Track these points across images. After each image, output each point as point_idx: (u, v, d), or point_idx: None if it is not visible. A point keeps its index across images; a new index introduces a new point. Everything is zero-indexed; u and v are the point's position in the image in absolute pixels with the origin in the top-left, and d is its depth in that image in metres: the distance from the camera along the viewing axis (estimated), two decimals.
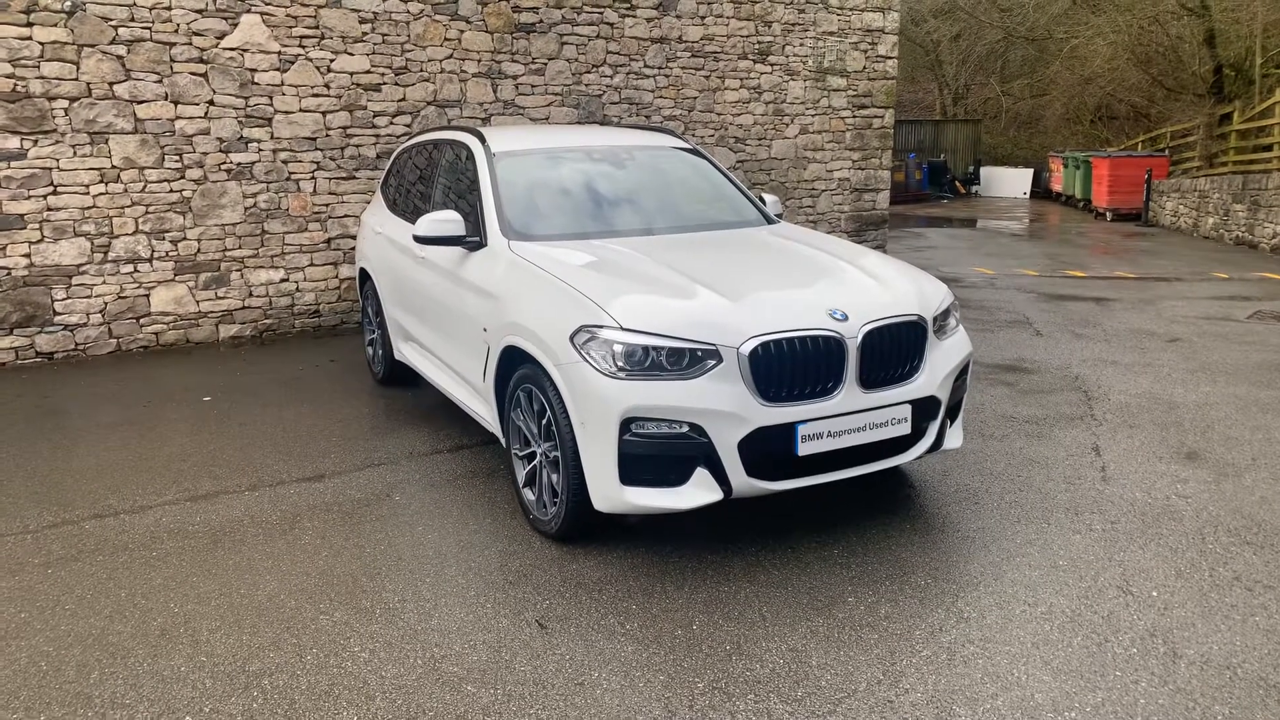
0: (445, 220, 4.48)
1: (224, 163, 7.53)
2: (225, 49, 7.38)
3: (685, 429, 3.38)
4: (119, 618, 3.34)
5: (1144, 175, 18.02)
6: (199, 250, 7.55)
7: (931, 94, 33.95)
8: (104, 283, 7.24)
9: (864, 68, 10.92)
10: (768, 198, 5.38)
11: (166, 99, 7.23)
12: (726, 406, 3.38)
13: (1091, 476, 4.53)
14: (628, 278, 3.86)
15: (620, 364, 3.43)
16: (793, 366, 3.47)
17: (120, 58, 7.03)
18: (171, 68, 7.21)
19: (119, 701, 2.86)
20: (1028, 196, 25.13)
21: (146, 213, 7.31)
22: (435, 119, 8.34)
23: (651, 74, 9.52)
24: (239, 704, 2.83)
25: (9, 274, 6.92)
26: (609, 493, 3.48)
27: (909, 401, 3.71)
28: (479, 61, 8.51)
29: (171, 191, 7.37)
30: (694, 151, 5.56)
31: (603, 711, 2.77)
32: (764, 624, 3.24)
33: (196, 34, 7.26)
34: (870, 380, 3.62)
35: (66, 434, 5.41)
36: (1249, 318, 8.34)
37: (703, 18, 9.72)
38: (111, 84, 7.03)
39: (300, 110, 7.75)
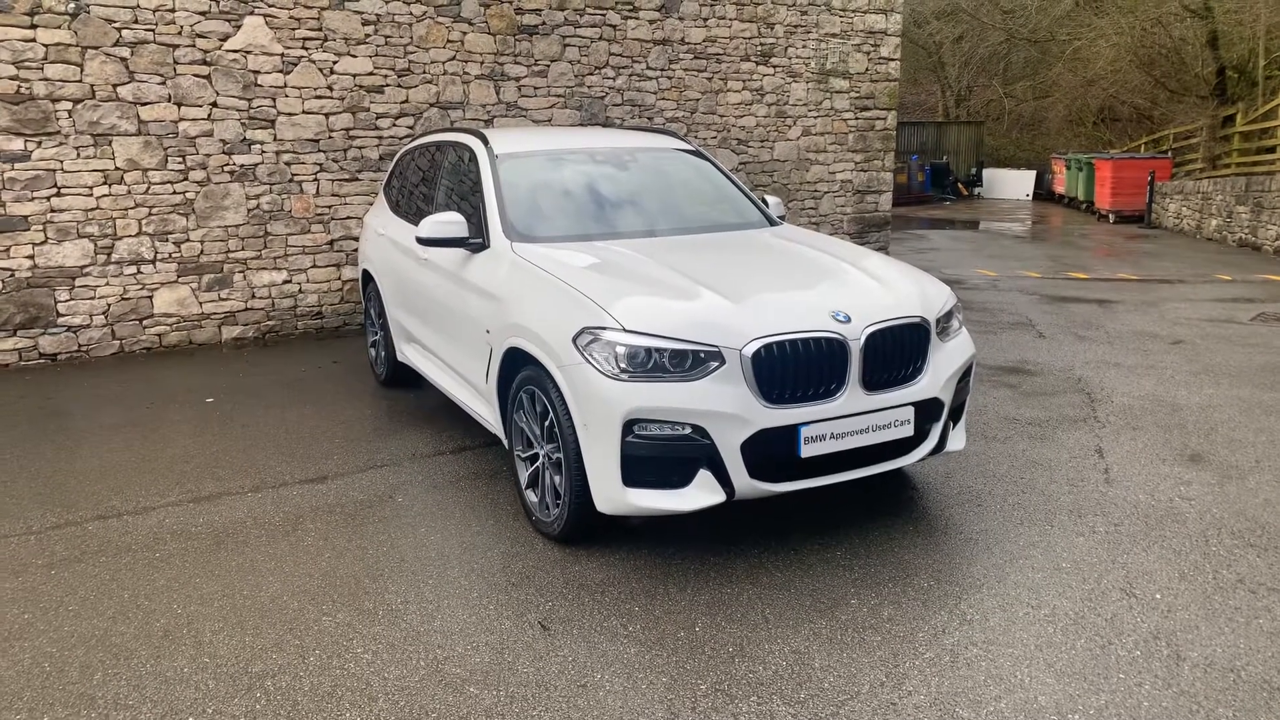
0: (448, 222, 4.48)
1: (227, 164, 7.54)
2: (228, 51, 7.40)
3: (688, 430, 3.38)
4: (122, 619, 3.35)
5: (1147, 177, 18.01)
6: (202, 252, 7.57)
7: (934, 96, 33.95)
8: (107, 284, 7.25)
9: (866, 69, 10.92)
10: (770, 199, 5.37)
11: (170, 101, 7.24)
12: (729, 408, 3.38)
13: (1095, 479, 4.53)
14: (630, 279, 3.86)
15: (623, 365, 3.43)
16: (795, 368, 3.47)
17: (124, 59, 7.04)
18: (175, 69, 7.22)
19: (122, 702, 2.86)
20: (1030, 198, 25.12)
21: (150, 214, 7.32)
22: (438, 121, 8.35)
23: (654, 76, 9.52)
24: (242, 705, 2.84)
25: (12, 275, 6.93)
26: (611, 494, 3.48)
27: (912, 403, 3.70)
28: (481, 63, 8.52)
29: (175, 193, 7.39)
30: (696, 153, 5.56)
31: (605, 713, 2.77)
32: (767, 626, 3.24)
33: (200, 36, 7.27)
34: (873, 382, 3.62)
35: (70, 435, 5.42)
36: (1252, 320, 8.33)
37: (705, 19, 9.72)
38: (115, 86, 7.04)
39: (303, 112, 7.76)
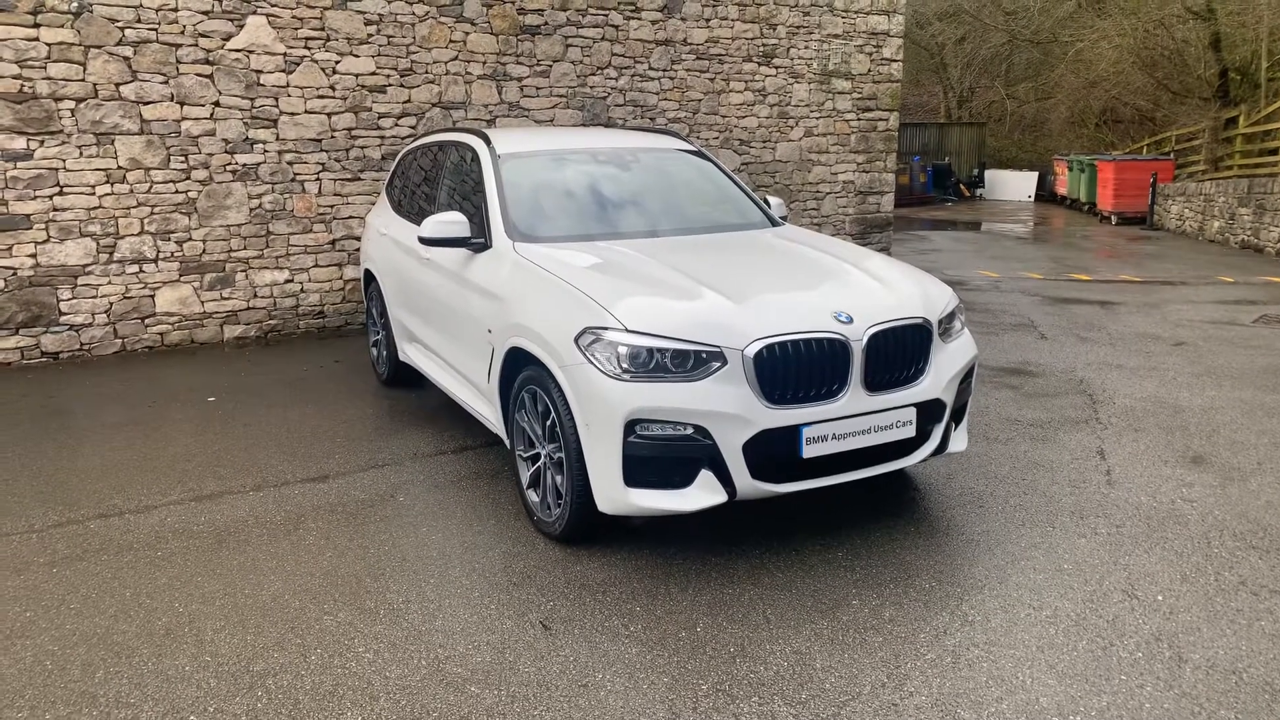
0: (450, 222, 4.48)
1: (229, 164, 7.54)
2: (231, 50, 7.40)
3: (689, 431, 3.38)
4: (124, 617, 3.35)
5: (1149, 179, 18.00)
6: (204, 251, 7.57)
7: (936, 97, 33.94)
8: (109, 283, 7.26)
9: (869, 70, 10.92)
10: (772, 200, 5.37)
11: (172, 100, 7.25)
12: (731, 408, 3.38)
13: (1096, 480, 4.52)
14: (632, 279, 3.86)
15: (625, 365, 3.43)
16: (797, 369, 3.47)
17: (127, 59, 7.05)
18: (178, 69, 7.23)
19: (124, 701, 2.86)
20: (1032, 200, 25.12)
21: (152, 213, 7.33)
22: (440, 121, 8.36)
23: (656, 76, 9.52)
24: (243, 704, 2.84)
25: (15, 274, 6.94)
26: (613, 494, 3.48)
27: (914, 404, 3.70)
28: (484, 63, 8.52)
29: (177, 192, 7.39)
30: (698, 154, 5.56)
31: (607, 713, 2.77)
32: (768, 626, 3.23)
33: (203, 35, 7.28)
34: (875, 383, 3.62)
35: (71, 434, 5.43)
36: (1254, 322, 8.32)
37: (707, 20, 9.72)
38: (118, 85, 7.05)
39: (305, 111, 7.76)
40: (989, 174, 26.80)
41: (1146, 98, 25.19)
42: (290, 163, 7.78)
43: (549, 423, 3.77)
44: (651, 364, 3.42)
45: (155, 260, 7.40)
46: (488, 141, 5.06)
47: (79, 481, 4.66)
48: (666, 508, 3.44)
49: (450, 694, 2.87)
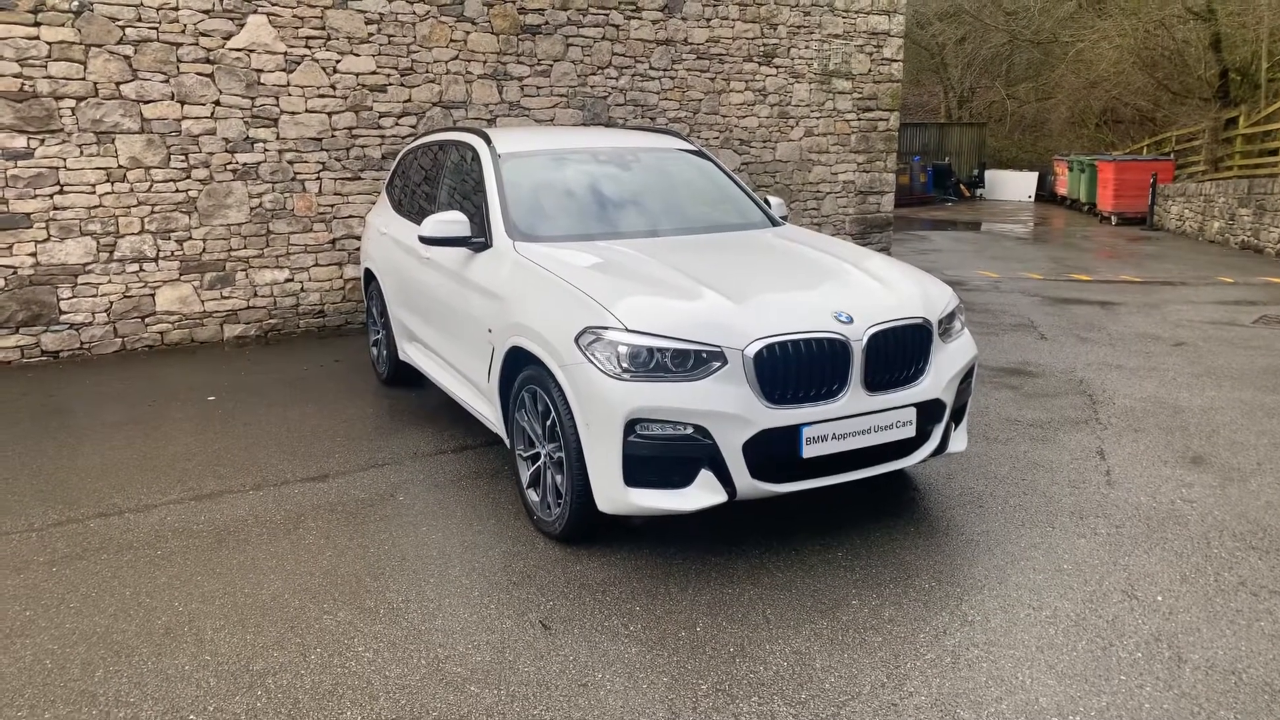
0: (450, 221, 4.48)
1: (230, 163, 7.54)
2: (232, 49, 7.40)
3: (690, 430, 3.38)
4: (123, 616, 3.35)
5: (1149, 179, 18.00)
6: (204, 250, 7.57)
7: (936, 97, 33.94)
8: (109, 282, 7.26)
9: (869, 70, 10.92)
10: (773, 200, 5.38)
11: (173, 99, 7.24)
12: (731, 408, 3.38)
13: (1096, 480, 4.53)
14: (633, 279, 3.86)
15: (625, 365, 3.43)
16: (797, 369, 3.47)
17: (127, 58, 7.05)
18: (178, 68, 7.22)
19: (123, 700, 2.86)
20: (1032, 200, 25.12)
21: (152, 212, 7.33)
22: (441, 120, 8.35)
23: (657, 76, 9.52)
24: (243, 703, 2.84)
25: (15, 273, 6.93)
26: (613, 494, 3.48)
27: (914, 404, 3.70)
28: (484, 63, 8.52)
29: (177, 191, 7.39)
30: (699, 154, 5.56)
31: (606, 713, 2.77)
32: (768, 626, 3.24)
33: (203, 34, 7.28)
34: (875, 383, 3.62)
35: (71, 433, 5.43)
36: (1254, 322, 8.32)
37: (708, 20, 9.72)
38: (118, 84, 7.05)
39: (306, 111, 7.76)
40: (989, 174, 26.81)
41: (1147, 98, 25.19)
42: (290, 162, 7.78)
43: (549, 422, 3.77)
44: (652, 364, 3.42)
45: (155, 259, 7.40)
46: (488, 141, 5.06)
47: (79, 480, 4.67)
48: (666, 507, 3.44)
49: (450, 693, 2.87)
